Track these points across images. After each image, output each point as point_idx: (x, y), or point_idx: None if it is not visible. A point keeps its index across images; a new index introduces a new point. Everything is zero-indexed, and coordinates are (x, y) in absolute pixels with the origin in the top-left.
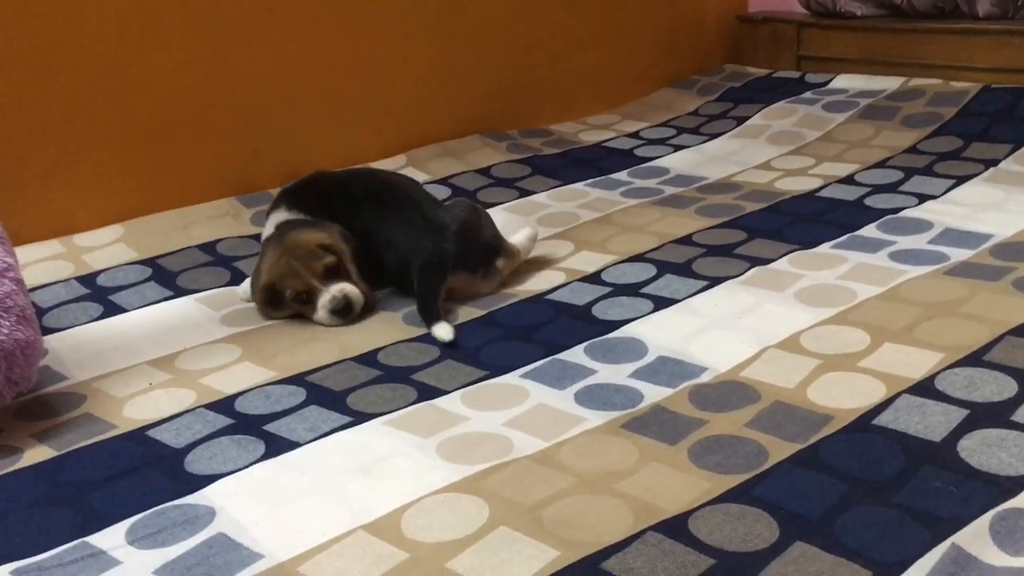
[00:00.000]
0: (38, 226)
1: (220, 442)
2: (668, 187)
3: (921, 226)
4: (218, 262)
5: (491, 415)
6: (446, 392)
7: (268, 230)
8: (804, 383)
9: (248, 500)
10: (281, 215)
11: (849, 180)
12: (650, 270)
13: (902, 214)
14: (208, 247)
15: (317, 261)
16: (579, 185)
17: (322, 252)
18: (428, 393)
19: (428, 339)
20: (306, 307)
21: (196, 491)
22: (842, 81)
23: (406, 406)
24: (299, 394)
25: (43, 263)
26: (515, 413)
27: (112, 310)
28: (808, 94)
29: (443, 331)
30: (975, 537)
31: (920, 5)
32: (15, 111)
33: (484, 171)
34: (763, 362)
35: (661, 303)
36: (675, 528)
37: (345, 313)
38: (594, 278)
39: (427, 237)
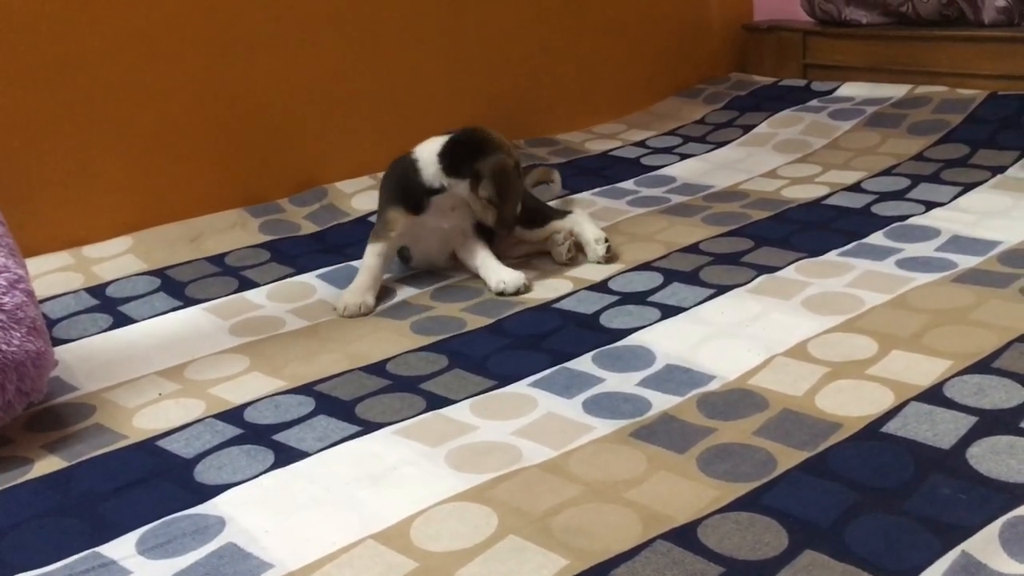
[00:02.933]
0: (48, 238)
1: (229, 452)
2: (675, 196)
3: (928, 233)
4: (226, 272)
5: (499, 424)
6: (454, 401)
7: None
8: (812, 391)
9: (258, 510)
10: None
11: (856, 188)
12: (657, 279)
13: (909, 221)
14: (217, 258)
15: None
16: (585, 194)
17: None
18: (437, 402)
19: (436, 348)
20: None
21: (206, 501)
22: (848, 89)
23: (415, 415)
24: (308, 404)
25: (53, 275)
26: (524, 422)
27: (121, 321)
28: (814, 102)
29: None
30: (985, 544)
31: (926, 13)
32: (24, 123)
33: None
34: (771, 370)
35: (668, 311)
36: (684, 537)
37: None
38: (601, 287)
39: None
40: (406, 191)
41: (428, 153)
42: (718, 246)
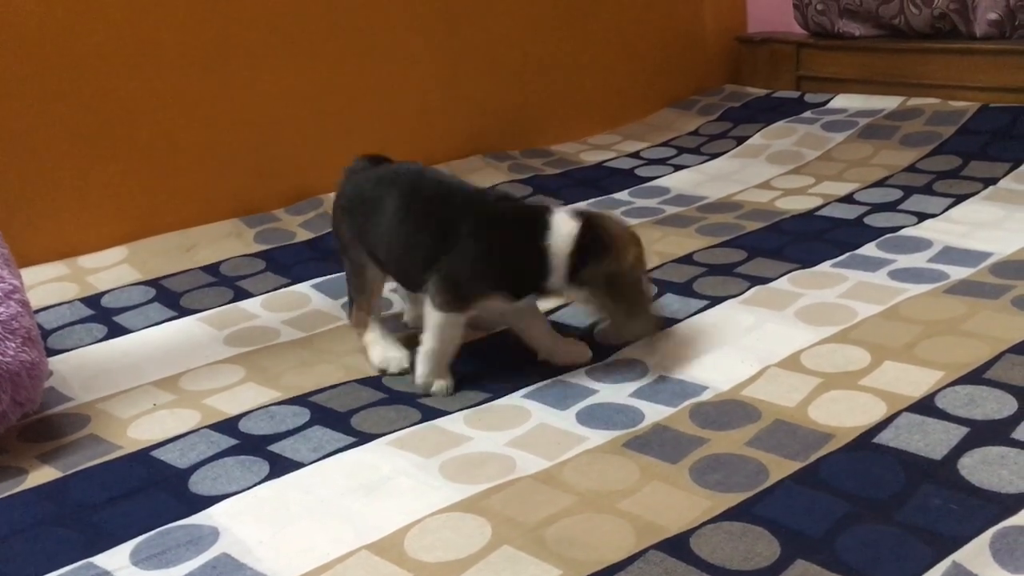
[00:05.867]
0: (43, 248)
1: (224, 462)
2: (669, 206)
3: (920, 244)
4: (222, 282)
5: (494, 435)
6: (449, 413)
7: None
8: (805, 401)
9: (252, 520)
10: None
11: (848, 199)
12: (651, 289)
13: (901, 233)
14: (212, 268)
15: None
16: (580, 205)
17: None
18: (431, 414)
19: None
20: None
21: (200, 511)
22: (841, 101)
23: (409, 426)
24: (303, 414)
25: (48, 284)
26: (517, 433)
27: (116, 331)
28: (807, 114)
29: None
30: (976, 555)
31: (918, 25)
32: (19, 133)
33: None
34: (764, 381)
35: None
36: (677, 546)
37: None
38: None
39: None
40: (518, 276)
41: (562, 239)
42: (712, 257)
